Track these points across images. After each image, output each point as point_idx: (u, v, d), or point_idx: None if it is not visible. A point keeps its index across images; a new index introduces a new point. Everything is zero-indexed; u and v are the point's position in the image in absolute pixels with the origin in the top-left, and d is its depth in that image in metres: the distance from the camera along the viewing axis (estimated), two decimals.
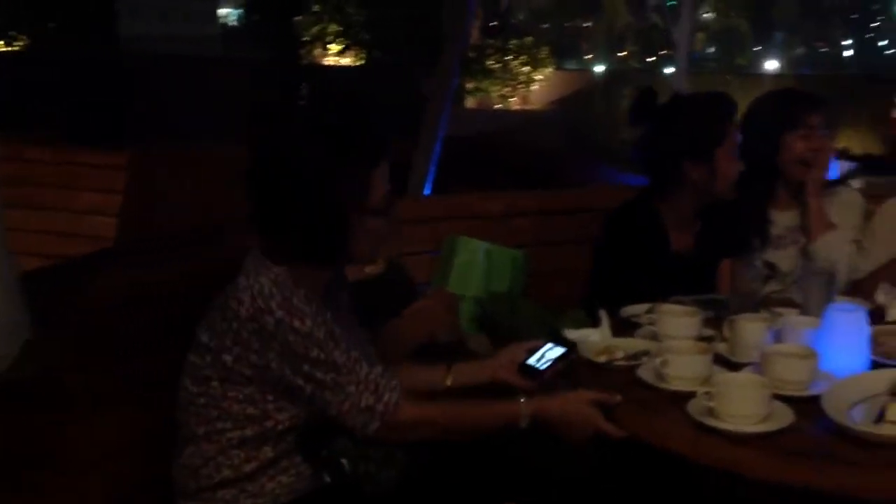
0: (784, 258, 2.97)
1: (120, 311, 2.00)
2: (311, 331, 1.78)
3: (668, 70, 9.87)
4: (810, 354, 1.94)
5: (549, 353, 2.08)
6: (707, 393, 1.78)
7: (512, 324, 2.80)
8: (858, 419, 1.78)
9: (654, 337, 2.25)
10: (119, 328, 1.99)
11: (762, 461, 1.68)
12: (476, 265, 2.94)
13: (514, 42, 9.92)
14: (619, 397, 1.90)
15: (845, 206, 3.02)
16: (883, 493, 1.60)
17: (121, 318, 1.99)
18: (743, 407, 1.76)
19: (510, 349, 2.15)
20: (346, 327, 1.91)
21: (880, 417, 1.76)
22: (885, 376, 1.93)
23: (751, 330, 2.10)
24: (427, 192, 4.10)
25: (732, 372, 1.99)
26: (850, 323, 2.02)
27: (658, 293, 2.64)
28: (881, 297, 2.52)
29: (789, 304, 2.56)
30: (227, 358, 1.81)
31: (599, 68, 9.89)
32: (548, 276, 3.11)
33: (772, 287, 2.94)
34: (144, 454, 2.02)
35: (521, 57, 9.83)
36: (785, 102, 3.03)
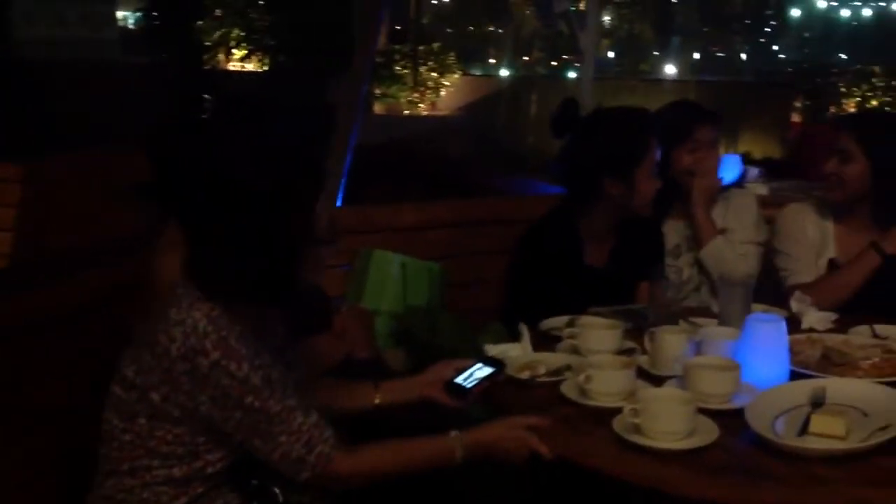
0: (682, 267, 3.03)
1: (20, 338, 1.88)
2: (248, 376, 1.66)
3: (572, 75, 9.94)
4: (733, 366, 1.94)
5: (477, 373, 2.03)
6: (633, 409, 1.76)
7: (430, 338, 2.75)
8: (782, 432, 1.78)
9: (576, 351, 2.23)
10: (20, 356, 1.87)
11: (687, 478, 1.65)
12: (391, 279, 2.89)
13: (421, 48, 9.90)
14: (548, 421, 1.86)
15: (740, 209, 3.09)
16: None
17: (21, 345, 1.87)
18: (668, 423, 1.74)
19: (438, 367, 2.08)
20: (284, 364, 1.80)
21: (804, 430, 1.76)
22: (805, 387, 1.94)
23: (671, 342, 2.09)
24: (338, 203, 4.00)
25: (656, 387, 1.97)
26: (771, 333, 2.02)
27: (574, 305, 2.63)
28: (795, 305, 2.55)
29: (706, 313, 2.57)
30: (155, 396, 1.68)
31: (507, 74, 9.89)
32: (464, 287, 3.07)
33: (671, 296, 2.96)
34: (52, 487, 1.90)
35: (429, 62, 9.82)
36: (675, 116, 3.07)
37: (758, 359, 2.00)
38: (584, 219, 2.81)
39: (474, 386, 2.01)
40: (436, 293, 2.95)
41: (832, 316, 2.52)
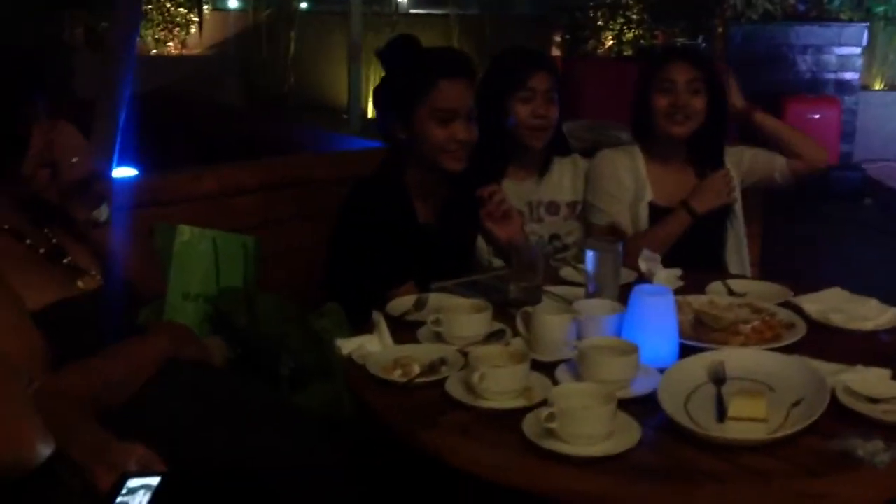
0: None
1: None
2: None
3: (303, 5, 9.46)
4: (631, 349, 1.76)
5: (139, 494, 1.38)
6: (550, 413, 1.53)
7: (250, 324, 2.41)
8: (698, 418, 1.62)
9: (440, 338, 1.98)
10: None
11: (624, 488, 1.46)
12: (201, 257, 2.48)
13: None
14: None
15: (578, 175, 2.93)
16: None
17: None
18: (592, 426, 1.53)
19: (128, 448, 1.52)
20: None
21: (722, 415, 1.62)
22: (702, 362, 1.81)
23: (556, 325, 1.89)
24: (113, 170, 3.44)
25: (545, 377, 1.75)
26: (660, 307, 1.86)
27: (407, 270, 2.38)
28: (643, 264, 2.42)
29: (558, 280, 2.39)
30: None
31: (267, 9, 9.25)
32: (277, 260, 2.70)
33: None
34: None
35: None
36: (507, 64, 2.85)
37: (649, 336, 1.84)
38: (409, 171, 2.52)
39: None
40: (251, 271, 2.59)
41: (677, 272, 2.42)
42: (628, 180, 2.85)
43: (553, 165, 2.90)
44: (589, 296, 2.08)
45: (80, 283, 1.95)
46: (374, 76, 7.89)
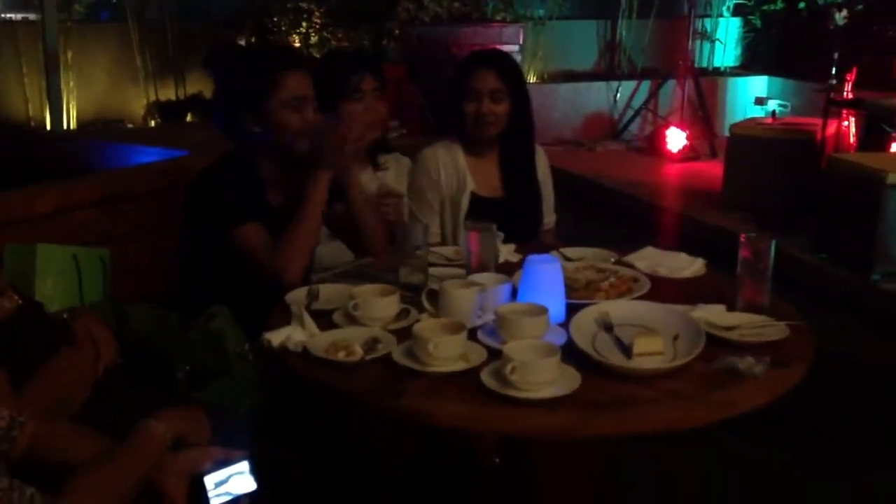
0: None
1: None
2: None
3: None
4: (542, 310, 2.08)
5: (234, 481, 1.68)
6: (512, 367, 1.81)
7: (126, 335, 2.43)
8: (611, 357, 1.98)
9: (355, 321, 2.18)
10: None
11: (586, 421, 1.78)
12: (64, 275, 2.48)
13: None
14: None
15: (402, 170, 3.21)
16: (702, 419, 1.84)
17: None
18: (546, 373, 1.83)
19: (194, 452, 1.74)
20: None
21: (628, 352, 1.99)
22: (590, 316, 2.16)
23: (465, 298, 2.16)
24: None
25: (519, 342, 1.97)
26: (550, 273, 2.20)
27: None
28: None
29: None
30: None
31: None
32: (128, 273, 2.73)
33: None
34: None
35: None
36: (339, 69, 3.06)
37: (545, 298, 2.16)
38: (262, 162, 2.65)
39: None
40: (108, 285, 2.60)
41: (512, 247, 2.78)
42: (449, 174, 3.16)
43: (379, 160, 3.15)
44: (471, 272, 2.37)
45: (6, 304, 1.94)
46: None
